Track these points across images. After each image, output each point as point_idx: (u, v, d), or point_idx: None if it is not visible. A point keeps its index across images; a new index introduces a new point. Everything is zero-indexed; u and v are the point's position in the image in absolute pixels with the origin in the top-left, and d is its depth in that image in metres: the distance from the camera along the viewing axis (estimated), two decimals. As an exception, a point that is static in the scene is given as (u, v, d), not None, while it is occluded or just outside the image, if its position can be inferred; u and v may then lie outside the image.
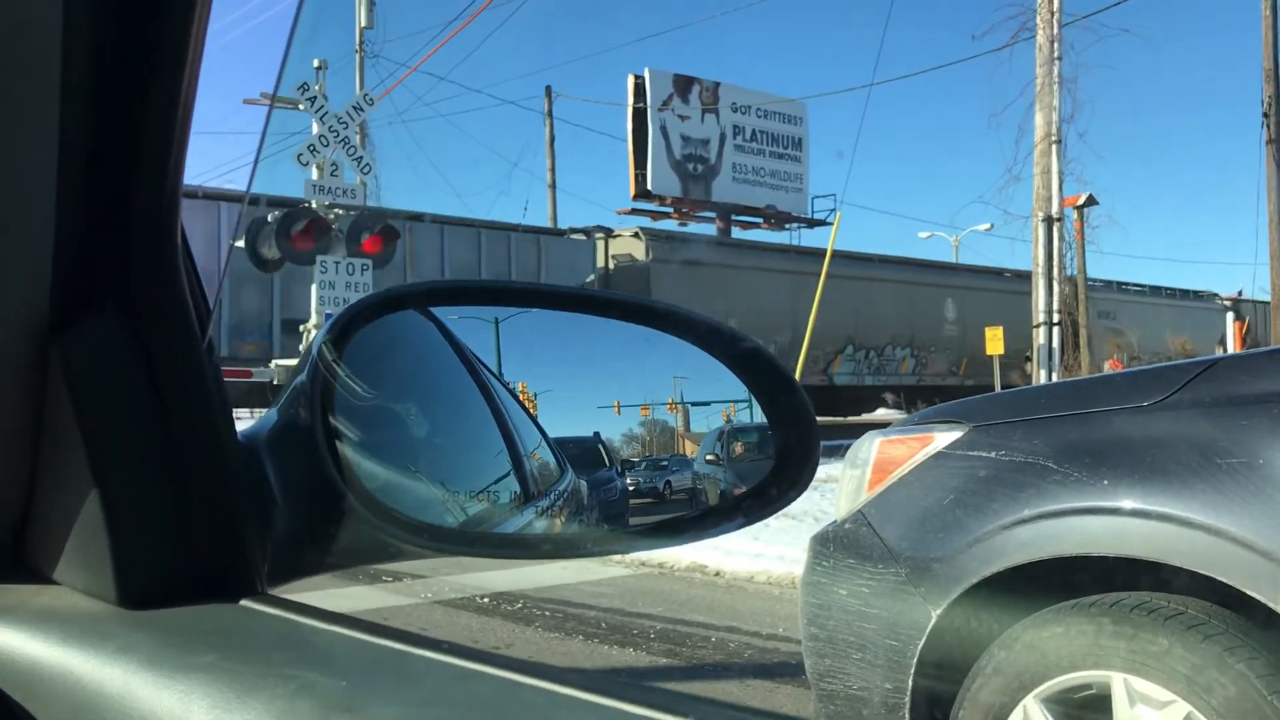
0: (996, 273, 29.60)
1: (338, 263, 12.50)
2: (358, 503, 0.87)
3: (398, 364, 1.09)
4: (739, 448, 1.18)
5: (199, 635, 0.79)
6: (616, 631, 5.98)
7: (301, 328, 13.39)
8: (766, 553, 7.63)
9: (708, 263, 22.29)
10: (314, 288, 12.61)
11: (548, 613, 6.33)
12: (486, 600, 6.62)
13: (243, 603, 0.85)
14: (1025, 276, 29.99)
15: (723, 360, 1.04)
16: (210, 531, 0.87)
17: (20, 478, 0.88)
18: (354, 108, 13.04)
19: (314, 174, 12.68)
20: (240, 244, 12.88)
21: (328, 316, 12.48)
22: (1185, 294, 34.64)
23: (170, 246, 0.86)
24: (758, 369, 1.05)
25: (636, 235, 22.13)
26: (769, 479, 1.01)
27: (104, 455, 0.83)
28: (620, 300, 1.09)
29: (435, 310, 1.10)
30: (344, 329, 0.93)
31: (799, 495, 0.98)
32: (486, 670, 0.70)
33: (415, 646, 0.74)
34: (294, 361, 13.31)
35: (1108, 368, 21.51)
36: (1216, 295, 34.86)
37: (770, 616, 6.39)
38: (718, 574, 7.72)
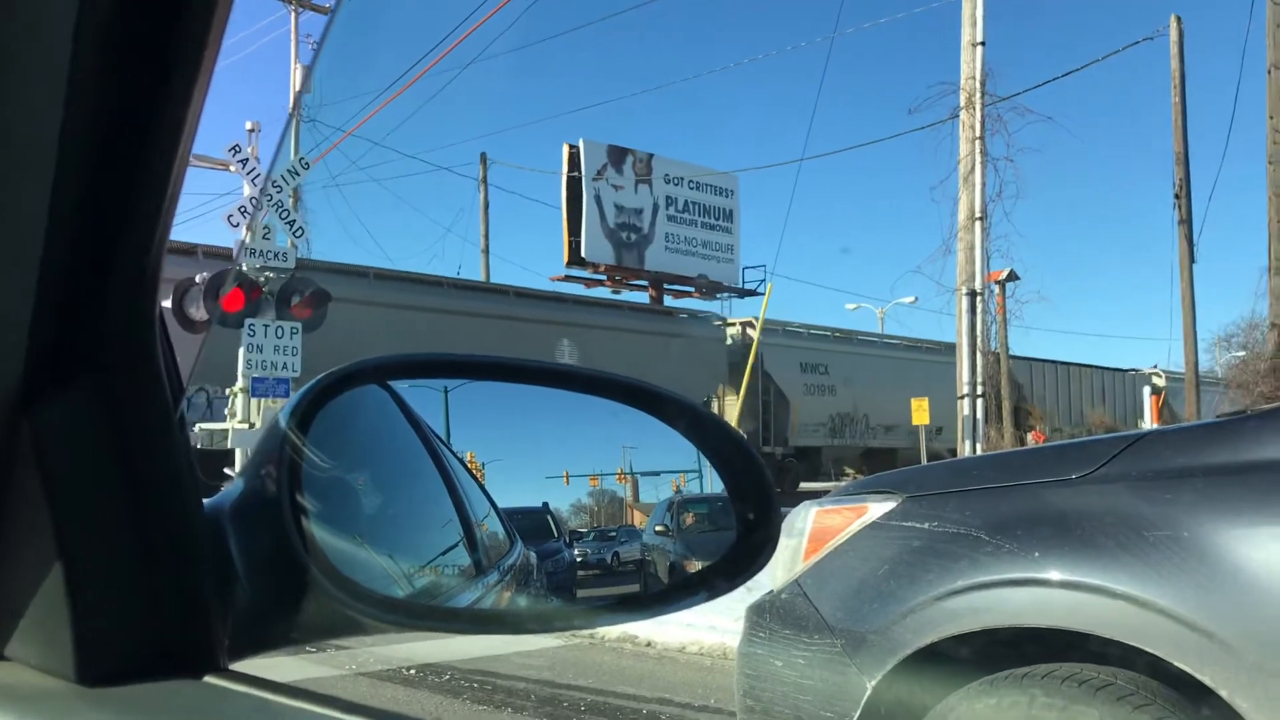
0: (644, 310, 26.38)
1: (266, 326, 12.34)
2: (325, 578, 0.86)
3: (356, 437, 1.08)
4: (689, 519, 1.18)
5: (164, 713, 0.77)
6: (546, 704, 5.87)
7: (228, 390, 13.15)
8: (698, 623, 7.58)
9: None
10: (241, 351, 12.42)
11: (476, 684, 6.21)
12: (413, 672, 6.48)
13: (206, 679, 0.82)
14: (693, 315, 27.00)
15: (687, 436, 1.05)
16: (174, 606, 0.85)
17: None
18: (289, 171, 12.99)
19: (245, 235, 12.55)
20: (168, 305, 12.66)
21: (254, 380, 12.28)
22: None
23: (148, 318, 0.84)
24: (722, 445, 1.06)
25: None
26: (731, 554, 1.02)
27: (71, 529, 0.81)
28: (584, 374, 1.09)
29: (392, 382, 1.09)
30: (310, 404, 0.93)
31: (761, 569, 0.99)
32: None
33: None
34: (219, 426, 13.05)
35: (1031, 440, 21.92)
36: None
37: (702, 688, 6.33)
38: (649, 644, 7.65)
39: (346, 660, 6.60)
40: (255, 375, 12.20)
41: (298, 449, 0.90)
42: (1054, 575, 2.62)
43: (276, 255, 12.51)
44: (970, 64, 17.15)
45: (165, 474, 0.86)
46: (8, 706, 0.79)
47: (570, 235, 29.34)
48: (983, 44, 17.07)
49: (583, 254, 29.27)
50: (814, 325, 28.59)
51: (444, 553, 1.14)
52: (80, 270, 0.80)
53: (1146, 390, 23.98)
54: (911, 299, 34.22)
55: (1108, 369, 35.45)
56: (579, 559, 1.11)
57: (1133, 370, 36.01)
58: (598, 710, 5.77)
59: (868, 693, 2.74)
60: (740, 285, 32.53)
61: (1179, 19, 21.43)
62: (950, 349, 29.59)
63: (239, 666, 0.87)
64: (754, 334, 25.84)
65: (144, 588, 0.84)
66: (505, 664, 6.76)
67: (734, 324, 27.02)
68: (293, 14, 25.21)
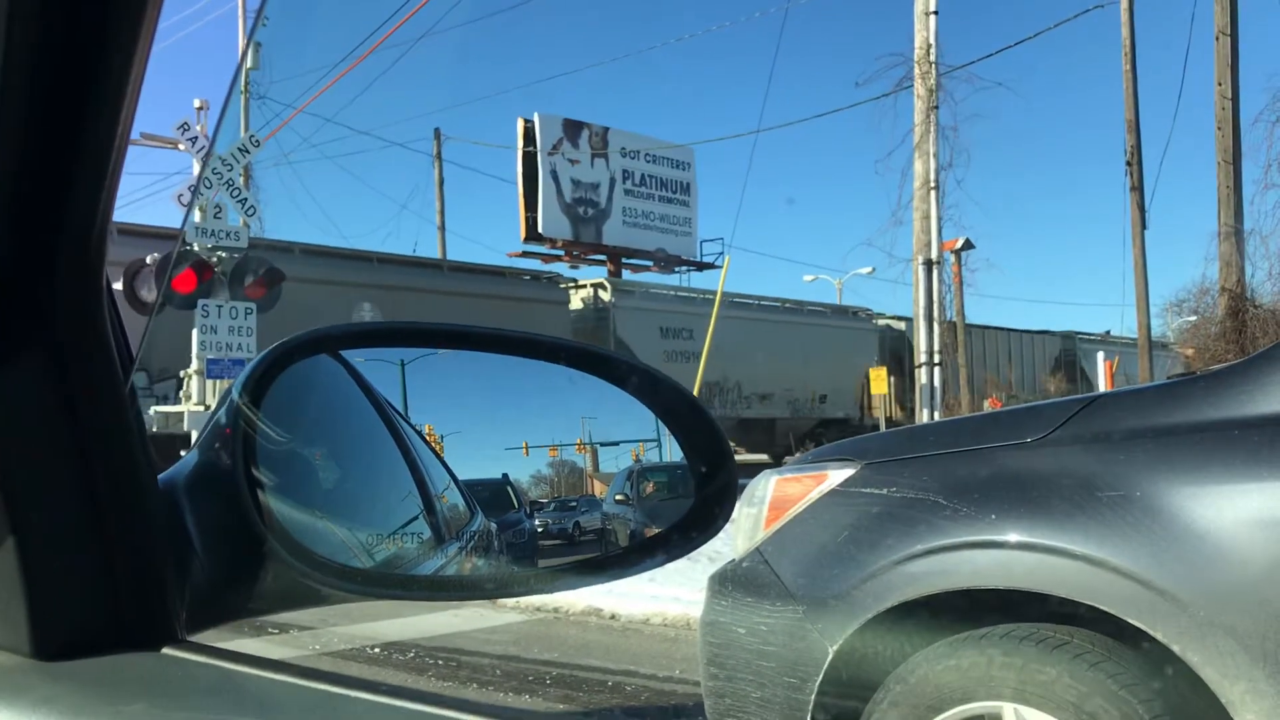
0: (469, 270, 21.93)
1: (220, 306, 12.19)
2: (282, 549, 0.85)
3: (311, 408, 1.07)
4: (649, 487, 1.19)
5: (124, 685, 0.77)
6: (512, 678, 5.89)
7: (183, 373, 13.00)
8: (662, 594, 7.62)
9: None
10: (195, 332, 12.27)
11: (441, 661, 6.21)
12: (377, 650, 6.47)
13: (164, 650, 0.82)
14: (534, 277, 22.56)
15: (638, 396, 1.06)
16: (130, 579, 0.84)
17: None
18: (239, 149, 12.81)
19: (196, 215, 12.37)
20: (119, 286, 12.47)
21: (209, 361, 12.15)
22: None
23: (95, 288, 0.83)
24: (675, 405, 1.06)
25: None
26: (689, 517, 1.02)
27: (23, 501, 0.80)
28: (543, 341, 1.09)
29: (344, 353, 1.09)
30: (262, 376, 0.92)
31: (719, 532, 0.99)
32: (429, 711, 0.69)
33: (352, 689, 0.73)
34: (174, 408, 12.91)
35: (988, 406, 22.17)
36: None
37: (667, 659, 6.38)
38: (613, 617, 7.69)
39: (310, 640, 6.58)
40: (210, 356, 12.08)
41: (251, 421, 0.90)
42: (1011, 537, 2.66)
43: (229, 234, 12.36)
44: (923, 32, 17.20)
45: (118, 448, 0.85)
46: None
47: (527, 211, 29.20)
48: (935, 13, 17.12)
49: (540, 229, 29.15)
50: (678, 287, 26.35)
51: (404, 524, 1.14)
52: (22, 246, 0.79)
53: (1100, 355, 24.25)
54: (869, 269, 34.33)
55: (1026, 331, 34.63)
56: (540, 529, 1.12)
57: (1047, 332, 35.14)
58: (564, 683, 5.80)
59: (830, 657, 2.78)
60: (698, 258, 32.57)
61: (1128, -14, 21.58)
62: (837, 313, 28.60)
63: (197, 639, 0.87)
64: (606, 296, 23.29)
65: (99, 561, 0.84)
66: (470, 640, 6.77)
67: (584, 285, 23.96)
68: (240, -11, 24.77)
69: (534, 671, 6.04)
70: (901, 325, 28.82)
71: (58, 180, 0.78)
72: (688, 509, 1.04)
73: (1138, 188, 21.12)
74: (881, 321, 29.49)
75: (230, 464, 0.87)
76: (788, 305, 28.06)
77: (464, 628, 7.06)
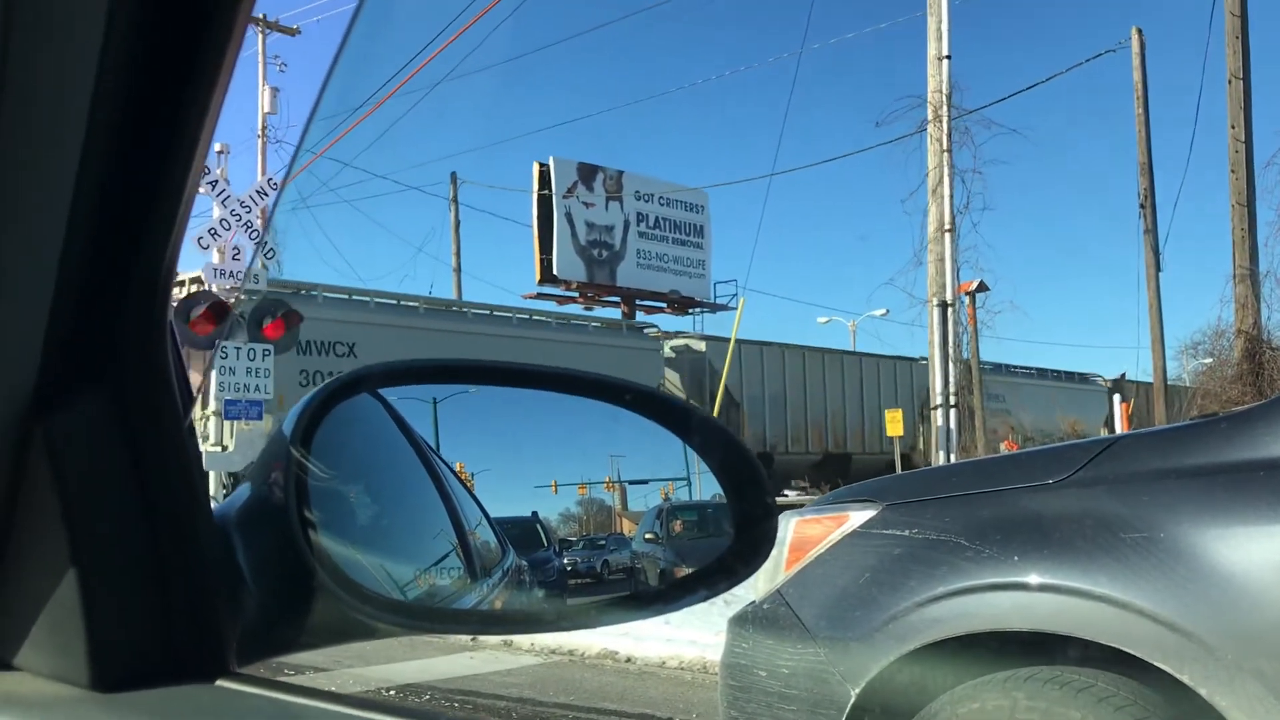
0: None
1: (238, 348, 12.26)
2: (333, 583, 0.86)
3: (353, 446, 1.09)
4: (678, 525, 1.19)
5: (181, 716, 0.77)
6: (528, 721, 5.85)
7: (201, 414, 13.06)
8: (678, 637, 7.57)
9: None
10: (214, 374, 12.34)
11: (457, 704, 6.17)
12: (393, 693, 6.43)
13: (219, 682, 0.83)
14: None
15: (678, 434, 1.06)
16: (185, 612, 0.85)
17: None
18: (257, 192, 12.94)
19: (215, 257, 12.50)
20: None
21: (227, 403, 12.20)
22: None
23: (160, 330, 0.86)
24: (716, 442, 1.07)
25: None
26: (729, 552, 1.03)
27: (84, 536, 0.81)
28: (575, 376, 1.11)
29: (383, 391, 1.10)
30: (315, 414, 0.94)
31: (759, 567, 1.00)
32: None
33: (409, 719, 0.73)
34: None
35: (1003, 448, 22.05)
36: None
37: (683, 702, 6.32)
38: (629, 660, 7.63)
39: (326, 682, 6.55)
40: (228, 398, 12.13)
41: (303, 458, 0.91)
42: (1034, 579, 2.64)
43: (246, 276, 12.46)
44: (936, 78, 17.31)
45: (177, 481, 0.87)
46: (22, 715, 0.79)
47: (542, 253, 29.35)
48: (948, 58, 17.24)
49: (555, 272, 29.28)
50: (337, 286, 19.77)
51: (438, 561, 1.15)
52: (96, 277, 0.81)
53: (1116, 398, 24.09)
54: (883, 311, 34.18)
55: (903, 359, 32.00)
56: (569, 567, 1.12)
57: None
58: (580, 727, 5.75)
59: (852, 700, 2.75)
60: (712, 300, 32.62)
61: (1140, 31, 21.74)
62: (610, 329, 24.14)
63: (246, 671, 0.88)
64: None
65: (156, 593, 0.85)
66: (486, 682, 6.72)
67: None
68: (260, 35, 25.14)
69: (550, 715, 5.99)
70: (702, 346, 25.13)
71: (132, 222, 0.80)
72: (727, 547, 1.04)
73: (1151, 230, 21.13)
74: (678, 342, 25.47)
75: (282, 499, 0.88)
76: (536, 317, 23.58)
77: (480, 670, 7.02)
